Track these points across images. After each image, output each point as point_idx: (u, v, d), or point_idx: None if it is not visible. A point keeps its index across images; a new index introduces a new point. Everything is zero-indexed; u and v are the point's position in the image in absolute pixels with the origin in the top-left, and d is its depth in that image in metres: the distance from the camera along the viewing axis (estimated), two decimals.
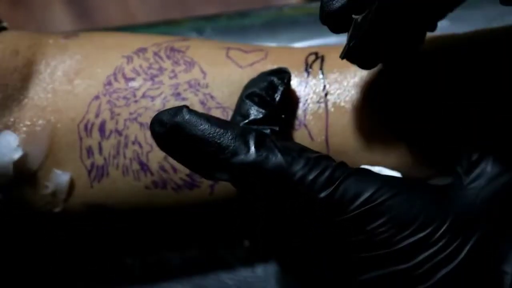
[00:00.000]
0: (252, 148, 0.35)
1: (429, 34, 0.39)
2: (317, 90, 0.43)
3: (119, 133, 0.44)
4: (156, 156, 0.44)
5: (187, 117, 0.35)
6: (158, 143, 0.36)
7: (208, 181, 0.44)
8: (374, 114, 0.42)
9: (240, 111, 0.40)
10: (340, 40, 0.41)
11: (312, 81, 0.44)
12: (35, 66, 0.45)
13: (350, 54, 0.38)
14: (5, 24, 0.47)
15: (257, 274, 0.49)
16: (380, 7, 0.34)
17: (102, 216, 0.45)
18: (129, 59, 0.45)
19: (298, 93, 0.44)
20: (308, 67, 0.44)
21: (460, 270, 0.35)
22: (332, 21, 0.37)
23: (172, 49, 0.45)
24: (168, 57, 0.45)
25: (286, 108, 0.43)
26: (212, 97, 0.44)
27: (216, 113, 0.43)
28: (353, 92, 0.43)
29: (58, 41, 0.46)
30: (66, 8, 1.16)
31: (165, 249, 0.50)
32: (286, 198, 0.35)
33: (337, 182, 0.35)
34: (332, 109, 0.43)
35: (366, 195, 0.35)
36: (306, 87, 0.43)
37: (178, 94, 0.44)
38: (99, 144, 0.44)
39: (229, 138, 0.35)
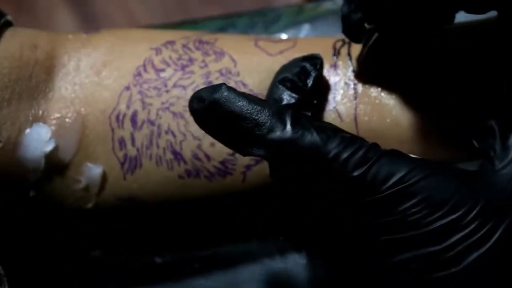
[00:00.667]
0: (288, 126, 0.35)
1: None
2: (346, 73, 0.44)
3: (151, 123, 0.44)
4: (190, 144, 0.44)
5: (225, 93, 0.36)
6: (196, 119, 0.36)
7: (240, 168, 0.44)
8: (400, 95, 0.43)
9: (273, 96, 0.41)
10: None
11: (340, 65, 0.44)
12: (57, 59, 0.45)
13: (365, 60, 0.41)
14: (9, 17, 0.46)
15: (288, 267, 0.49)
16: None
17: (134, 209, 0.45)
18: (158, 50, 0.45)
19: (327, 78, 0.44)
20: (336, 52, 0.45)
21: (491, 254, 0.35)
22: (353, 33, 0.41)
23: (201, 41, 0.46)
24: (198, 48, 0.45)
25: (318, 94, 0.43)
26: (244, 84, 0.44)
27: None
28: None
29: (80, 36, 0.46)
30: (70, 13, 1.16)
31: (194, 246, 0.50)
32: (320, 175, 0.36)
33: (370, 162, 0.35)
34: (360, 90, 0.43)
35: (398, 175, 0.35)
36: (335, 71, 0.44)
37: (210, 82, 0.44)
38: (132, 135, 0.44)
39: (266, 115, 0.36)
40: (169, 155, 0.44)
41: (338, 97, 0.44)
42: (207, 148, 0.44)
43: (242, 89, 0.44)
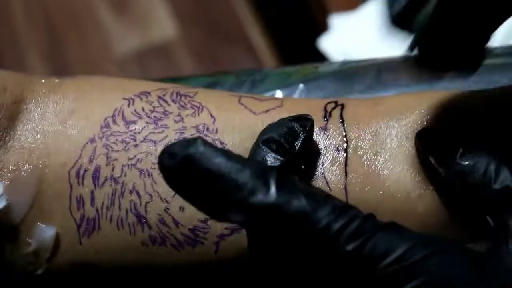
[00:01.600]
0: (273, 189, 0.31)
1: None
2: (337, 138, 0.40)
3: (115, 180, 0.40)
4: (156, 207, 0.39)
5: (201, 148, 0.31)
6: (165, 178, 0.32)
7: (213, 237, 0.39)
8: (396, 163, 0.39)
9: (255, 157, 0.37)
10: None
11: (331, 129, 0.41)
12: (24, 104, 0.41)
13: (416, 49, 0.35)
14: None
15: None
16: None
17: (90, 277, 0.41)
18: (131, 101, 0.42)
19: (316, 141, 0.40)
20: (327, 114, 0.41)
21: None
22: (400, 21, 0.34)
23: (179, 94, 0.42)
24: (174, 101, 0.42)
25: (306, 158, 0.39)
26: (222, 143, 0.40)
27: None
28: (374, 140, 0.40)
29: (51, 80, 0.43)
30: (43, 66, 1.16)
31: None
32: (308, 247, 0.32)
33: (366, 235, 0.31)
34: (352, 157, 0.40)
35: (398, 252, 0.31)
36: (324, 134, 0.40)
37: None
38: (92, 193, 0.40)
39: (248, 175, 0.31)
40: (132, 218, 0.39)
41: (327, 163, 0.40)
42: (175, 212, 0.39)
43: None
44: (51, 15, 1.36)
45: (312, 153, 0.40)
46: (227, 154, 0.31)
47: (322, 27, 0.96)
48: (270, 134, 0.38)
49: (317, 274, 0.32)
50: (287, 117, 0.39)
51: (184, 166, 0.31)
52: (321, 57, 0.89)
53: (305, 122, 0.39)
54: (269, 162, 0.36)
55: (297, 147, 0.38)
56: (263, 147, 0.37)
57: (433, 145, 0.38)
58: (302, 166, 0.39)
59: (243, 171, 0.31)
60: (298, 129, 0.38)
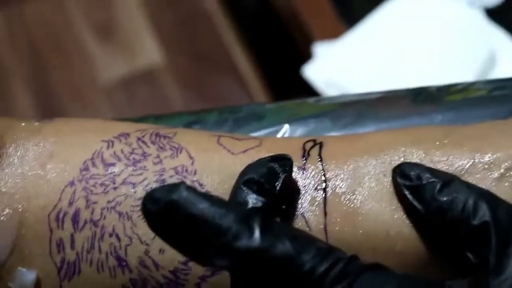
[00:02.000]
0: (257, 233, 0.31)
1: None
2: (315, 177, 0.40)
3: (94, 224, 0.40)
4: (136, 250, 0.39)
5: (184, 194, 0.31)
6: (149, 223, 0.32)
7: (194, 279, 0.39)
8: (375, 201, 0.39)
9: (236, 199, 0.37)
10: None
11: (310, 168, 0.40)
12: (4, 148, 0.41)
13: None
14: None
15: None
16: None
17: None
18: (110, 143, 0.42)
19: (295, 180, 0.40)
20: (305, 153, 0.41)
21: None
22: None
23: (158, 135, 0.42)
24: (153, 143, 0.41)
25: (287, 197, 0.39)
26: (201, 184, 0.40)
27: None
28: (352, 178, 0.40)
29: (31, 124, 0.43)
30: (28, 95, 1.16)
31: None
32: None
33: (351, 277, 0.31)
34: (331, 196, 0.39)
35: None
36: (303, 174, 0.40)
37: (163, 181, 0.40)
38: (72, 236, 0.40)
39: (231, 219, 0.31)
40: (113, 261, 0.39)
41: (307, 203, 0.39)
42: (156, 254, 0.39)
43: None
44: (35, 42, 1.36)
45: (292, 192, 0.40)
46: (210, 198, 0.32)
47: (306, 56, 0.97)
48: (250, 175, 0.37)
49: None
50: (267, 157, 0.39)
51: (167, 211, 0.31)
52: (306, 86, 0.90)
53: (284, 162, 0.38)
54: (250, 203, 0.36)
55: (277, 188, 0.37)
56: (244, 188, 0.37)
57: (409, 181, 0.38)
58: (283, 206, 0.39)
59: (227, 215, 0.31)
60: (277, 169, 0.38)
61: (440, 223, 0.36)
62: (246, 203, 0.36)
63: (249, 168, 0.38)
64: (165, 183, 0.39)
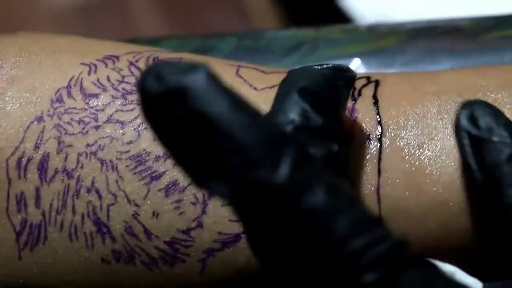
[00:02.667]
0: (285, 168, 0.23)
1: None
2: (368, 123, 0.31)
3: (68, 174, 0.31)
4: (122, 212, 0.30)
5: (201, 82, 0.22)
6: (143, 107, 0.23)
7: (197, 253, 0.30)
8: (449, 160, 0.30)
9: (284, 110, 0.28)
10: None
11: (360, 111, 0.32)
12: None
13: None
14: None
15: None
16: None
17: None
18: (92, 67, 0.32)
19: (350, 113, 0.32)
20: (356, 93, 0.32)
21: None
22: None
23: (157, 60, 0.32)
24: None
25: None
26: None
27: None
28: (419, 128, 0.31)
29: None
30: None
31: None
32: (314, 257, 0.24)
33: (394, 268, 0.23)
34: (388, 150, 0.31)
35: None
36: (351, 118, 0.32)
37: None
38: (37, 190, 0.31)
39: (256, 137, 0.22)
40: (90, 226, 0.30)
41: (354, 156, 0.31)
42: (147, 219, 0.30)
43: None
44: None
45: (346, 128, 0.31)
46: (237, 100, 0.23)
47: None
48: (305, 83, 0.29)
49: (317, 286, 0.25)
50: (322, 64, 0.30)
51: (172, 98, 0.22)
52: (340, 18, 0.75)
53: (347, 74, 0.30)
54: (305, 120, 0.28)
55: (339, 108, 0.29)
56: (298, 99, 0.28)
57: (476, 129, 0.28)
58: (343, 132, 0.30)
59: (252, 130, 0.23)
60: (340, 82, 0.29)
61: (495, 200, 0.28)
62: (296, 118, 0.28)
63: (300, 73, 0.30)
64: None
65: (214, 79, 0.23)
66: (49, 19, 1.00)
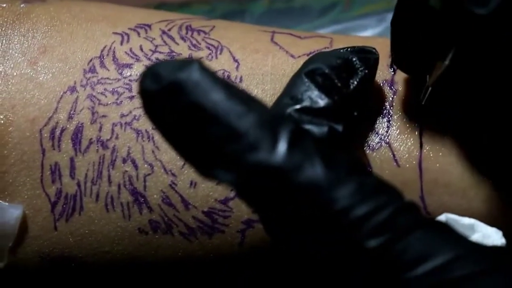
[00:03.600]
0: (282, 146, 0.23)
1: None
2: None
3: (103, 144, 0.30)
4: (159, 181, 0.30)
5: (196, 76, 0.23)
6: (144, 105, 0.24)
7: (236, 224, 0.30)
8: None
9: (291, 91, 0.29)
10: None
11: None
12: None
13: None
14: None
15: None
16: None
17: (69, 275, 0.31)
18: (125, 37, 0.31)
19: (380, 97, 0.30)
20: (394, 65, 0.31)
21: None
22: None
23: (190, 28, 0.32)
24: (183, 39, 0.31)
25: (363, 105, 0.30)
26: None
27: None
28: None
29: (16, 5, 0.33)
30: None
31: None
32: (319, 232, 0.24)
33: (398, 231, 0.23)
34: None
35: (438, 260, 0.23)
36: (391, 89, 0.31)
37: None
38: (72, 161, 0.30)
39: (251, 122, 0.23)
40: (127, 196, 0.30)
41: (394, 128, 0.30)
42: (185, 189, 0.30)
43: None
44: None
45: (371, 106, 0.30)
46: (230, 89, 0.24)
47: None
48: (317, 65, 0.29)
49: (327, 265, 0.25)
50: (344, 48, 0.30)
51: (169, 94, 0.23)
52: None
53: (368, 56, 0.30)
54: (308, 99, 0.29)
55: (352, 86, 0.29)
56: (306, 80, 0.29)
57: None
58: (355, 113, 0.30)
59: (246, 115, 0.23)
60: (357, 64, 0.30)
61: None
62: (303, 98, 0.29)
63: (318, 56, 0.30)
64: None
65: (207, 72, 0.23)
66: None
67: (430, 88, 0.28)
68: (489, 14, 0.24)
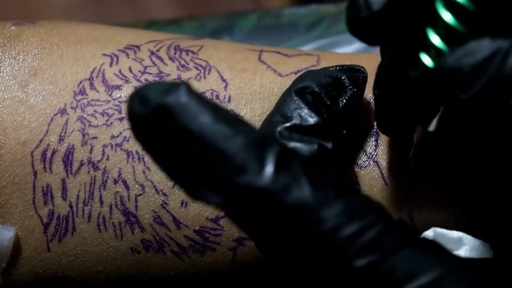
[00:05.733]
0: (269, 168, 0.24)
1: None
2: None
3: (94, 166, 0.30)
4: (150, 202, 0.30)
5: (183, 99, 0.23)
6: (133, 128, 0.24)
7: (228, 242, 0.30)
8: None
9: (281, 108, 0.29)
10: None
11: None
12: None
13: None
14: None
15: None
16: None
17: None
18: (114, 58, 0.32)
19: (368, 115, 0.31)
20: None
21: None
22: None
23: (178, 48, 0.32)
24: (172, 59, 0.32)
25: (351, 123, 0.31)
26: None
27: None
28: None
29: (6, 28, 0.33)
30: None
31: None
32: (307, 252, 0.24)
33: (386, 250, 0.23)
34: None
35: (425, 278, 0.23)
36: None
37: None
38: (63, 182, 0.31)
39: (239, 144, 0.23)
40: (119, 217, 0.30)
41: (383, 142, 0.31)
42: (176, 208, 0.30)
43: None
44: None
45: (360, 119, 0.31)
46: (218, 111, 0.24)
47: None
48: (307, 83, 0.30)
49: (315, 283, 0.25)
50: (334, 66, 0.31)
51: (157, 117, 0.23)
52: None
53: (356, 74, 0.30)
54: (298, 117, 0.29)
55: (340, 105, 0.30)
56: (296, 98, 0.29)
57: None
58: (344, 131, 0.30)
59: (234, 138, 0.24)
60: (346, 82, 0.30)
61: None
62: (292, 116, 0.29)
63: (308, 74, 0.31)
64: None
65: (194, 95, 0.23)
66: (58, 7, 1.00)
67: (416, 151, 0.28)
68: (471, 98, 0.24)
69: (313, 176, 0.24)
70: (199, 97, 0.23)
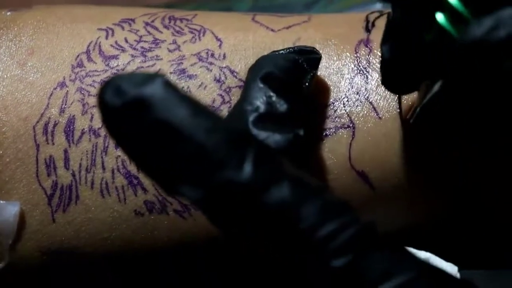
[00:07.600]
0: (248, 165, 0.23)
1: None
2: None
3: (95, 133, 0.31)
4: None
5: (160, 91, 0.22)
6: (105, 121, 0.23)
7: None
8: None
9: (250, 97, 0.29)
10: None
11: (375, 41, 0.31)
12: None
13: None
14: None
15: None
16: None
17: (69, 267, 0.31)
18: (109, 31, 0.32)
19: (356, 57, 0.31)
20: (369, 25, 0.32)
21: None
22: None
23: (173, 18, 0.33)
24: (167, 27, 0.32)
25: (313, 101, 0.31)
26: (232, 71, 0.31)
27: (239, 94, 0.30)
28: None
29: (1, 14, 0.34)
30: None
31: None
32: (284, 247, 0.24)
33: (360, 251, 0.24)
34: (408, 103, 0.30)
35: (401, 278, 0.24)
36: (367, 47, 0.31)
37: (183, 70, 0.31)
38: (65, 152, 0.31)
39: (218, 139, 0.23)
40: (121, 180, 0.30)
41: (373, 85, 0.31)
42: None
43: (229, 79, 0.31)
44: None
45: (323, 95, 0.31)
46: (196, 105, 0.23)
47: None
48: (268, 69, 0.29)
49: (295, 275, 0.25)
50: (287, 48, 0.30)
51: (133, 110, 0.22)
52: None
53: (311, 56, 0.30)
54: (270, 107, 0.28)
55: (304, 89, 0.29)
56: (262, 85, 0.28)
57: None
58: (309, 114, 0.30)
59: (213, 132, 0.23)
60: (304, 64, 0.30)
61: None
62: (261, 106, 0.28)
63: (265, 60, 0.30)
64: (186, 74, 0.31)
65: (171, 88, 0.23)
66: None
67: (418, 109, 0.28)
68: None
69: (291, 174, 0.24)
70: (177, 90, 0.23)
